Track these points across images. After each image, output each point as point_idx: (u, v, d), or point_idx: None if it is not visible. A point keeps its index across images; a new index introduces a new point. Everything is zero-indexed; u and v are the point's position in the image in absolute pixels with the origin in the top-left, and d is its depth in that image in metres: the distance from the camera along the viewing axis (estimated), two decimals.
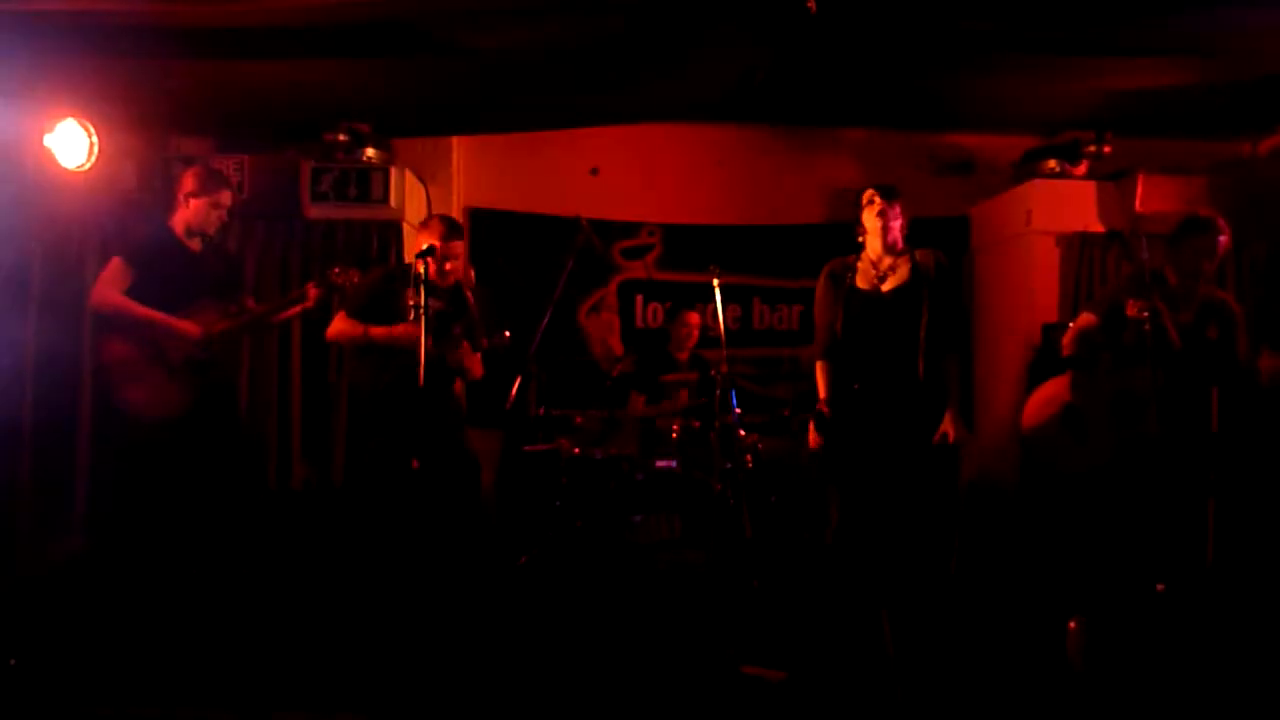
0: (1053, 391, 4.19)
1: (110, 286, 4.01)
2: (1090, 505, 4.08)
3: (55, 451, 4.93)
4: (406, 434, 3.94)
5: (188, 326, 4.02)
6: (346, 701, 3.07)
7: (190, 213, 4.11)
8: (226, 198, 4.18)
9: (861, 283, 3.88)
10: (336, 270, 4.16)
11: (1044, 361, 4.96)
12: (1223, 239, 4.00)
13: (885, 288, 3.82)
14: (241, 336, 4.54)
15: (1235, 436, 4.17)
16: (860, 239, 3.93)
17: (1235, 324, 4.01)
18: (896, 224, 3.85)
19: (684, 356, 5.51)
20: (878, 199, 3.84)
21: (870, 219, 3.85)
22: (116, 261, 4.06)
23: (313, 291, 4.18)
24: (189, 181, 4.12)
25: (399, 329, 4.07)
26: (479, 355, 4.36)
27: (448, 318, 4.26)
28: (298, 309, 4.28)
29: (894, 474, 3.71)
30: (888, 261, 3.85)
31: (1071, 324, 4.26)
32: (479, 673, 3.31)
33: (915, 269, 3.82)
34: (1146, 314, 3.75)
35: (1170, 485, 3.91)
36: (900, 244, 3.88)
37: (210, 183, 4.13)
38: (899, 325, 3.75)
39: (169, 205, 4.19)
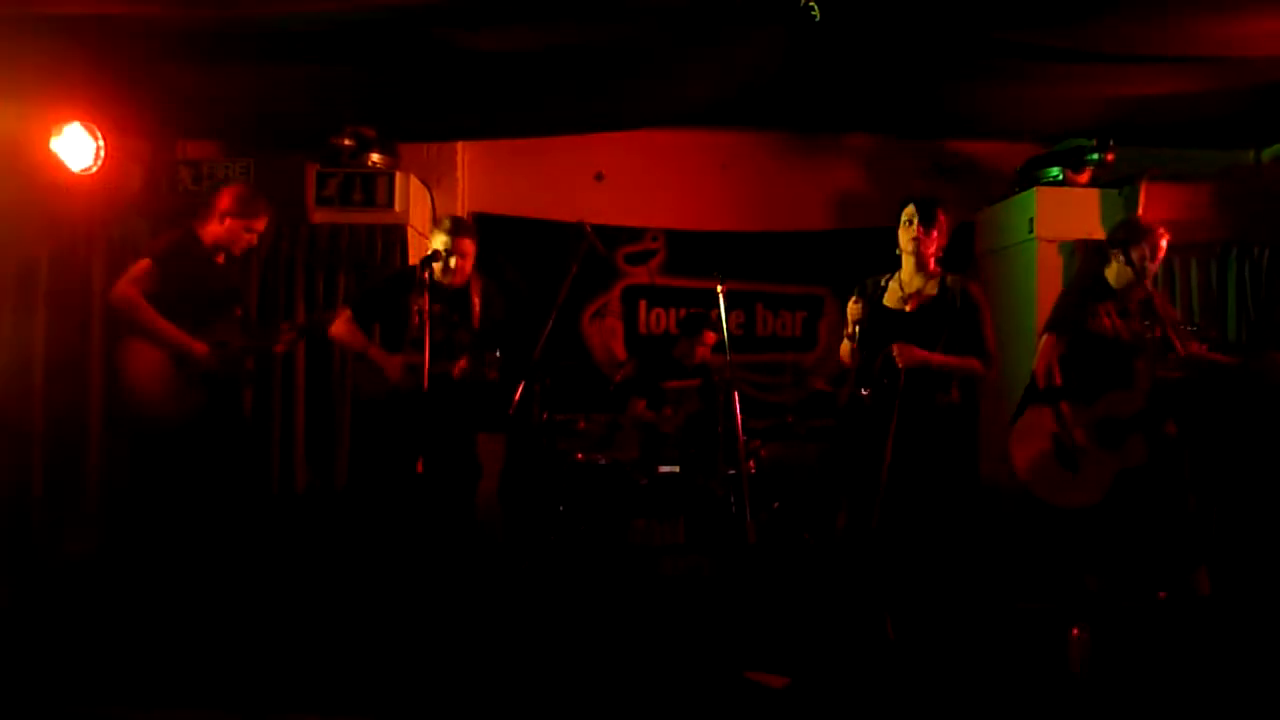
0: (1035, 423, 4.08)
1: (134, 285, 3.99)
2: (1093, 516, 4.05)
3: (67, 451, 4.95)
4: (409, 437, 3.94)
5: (197, 346, 4.01)
6: (350, 704, 3.08)
7: (223, 230, 4.10)
8: (262, 224, 4.19)
9: (889, 302, 3.79)
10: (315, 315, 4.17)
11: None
12: (1164, 241, 3.97)
13: (909, 308, 3.71)
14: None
15: (1237, 444, 4.17)
16: (897, 252, 3.79)
17: (1168, 323, 3.94)
18: (932, 247, 3.72)
19: (690, 365, 5.51)
20: (915, 219, 3.69)
21: (904, 237, 3.73)
22: (146, 263, 4.03)
23: (285, 334, 4.29)
24: (226, 200, 4.10)
25: (392, 364, 4.05)
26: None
27: (453, 326, 4.24)
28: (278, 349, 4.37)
29: (904, 482, 3.62)
30: (917, 282, 3.75)
31: (1039, 351, 4.14)
32: (482, 675, 3.32)
33: (944, 292, 3.73)
34: (1149, 325, 3.75)
35: (1171, 495, 3.92)
36: (932, 265, 3.75)
37: (249, 207, 4.12)
38: (917, 342, 3.63)
39: (198, 215, 4.17)
